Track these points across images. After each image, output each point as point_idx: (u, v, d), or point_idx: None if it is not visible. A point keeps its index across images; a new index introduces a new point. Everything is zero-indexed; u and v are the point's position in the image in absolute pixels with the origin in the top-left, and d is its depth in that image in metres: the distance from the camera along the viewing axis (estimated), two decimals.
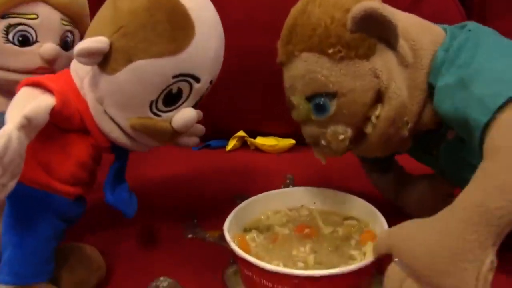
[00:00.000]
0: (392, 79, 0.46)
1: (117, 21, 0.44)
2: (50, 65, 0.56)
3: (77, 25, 0.60)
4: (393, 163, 0.64)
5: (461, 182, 0.41)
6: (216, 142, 0.94)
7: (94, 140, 0.49)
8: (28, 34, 0.55)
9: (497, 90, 0.40)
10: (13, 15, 0.54)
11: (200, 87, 0.48)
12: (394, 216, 0.52)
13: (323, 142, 0.50)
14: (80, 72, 0.48)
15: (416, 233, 0.41)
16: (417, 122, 0.49)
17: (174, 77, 0.45)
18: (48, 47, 0.55)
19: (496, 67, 0.43)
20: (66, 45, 0.58)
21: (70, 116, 0.46)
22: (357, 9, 0.44)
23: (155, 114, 0.47)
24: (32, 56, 0.55)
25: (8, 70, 0.55)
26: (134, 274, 0.53)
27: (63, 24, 0.57)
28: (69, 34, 0.59)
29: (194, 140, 0.56)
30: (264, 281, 0.45)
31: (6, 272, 0.45)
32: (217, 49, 0.49)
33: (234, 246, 0.47)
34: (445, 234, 0.39)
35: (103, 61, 0.45)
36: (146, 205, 0.67)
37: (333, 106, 0.48)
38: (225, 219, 0.51)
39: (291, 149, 0.91)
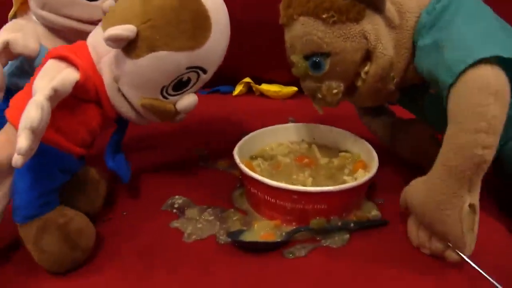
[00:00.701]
0: (379, 40, 0.51)
1: (146, 13, 0.49)
2: None
3: None
4: (384, 108, 0.69)
5: (443, 128, 0.47)
6: (224, 87, 0.99)
7: (104, 111, 0.54)
8: None
9: (462, 55, 0.45)
10: None
11: (205, 78, 0.54)
12: (383, 150, 0.60)
13: (319, 95, 0.56)
14: (99, 50, 0.52)
15: (415, 190, 0.49)
16: (403, 77, 0.55)
17: (187, 68, 0.52)
18: (110, 2, 0.62)
19: (467, 32, 0.48)
20: None
21: (89, 90, 0.51)
22: None
23: (164, 97, 0.53)
24: (96, 9, 0.61)
25: (74, 19, 0.61)
26: (152, 192, 0.60)
27: None
28: None
29: (183, 116, 0.59)
30: (268, 197, 0.53)
31: (18, 214, 0.48)
32: (225, 46, 0.55)
33: (242, 167, 0.54)
34: (430, 190, 0.47)
35: (128, 46, 0.50)
36: (163, 140, 0.75)
37: (327, 64, 0.53)
38: (233, 152, 0.57)
39: (293, 96, 0.96)
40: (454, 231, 0.46)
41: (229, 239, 0.50)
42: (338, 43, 0.52)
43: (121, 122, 0.57)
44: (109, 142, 0.57)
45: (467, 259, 0.46)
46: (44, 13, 0.61)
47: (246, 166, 0.55)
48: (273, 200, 0.52)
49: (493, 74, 0.44)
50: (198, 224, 0.53)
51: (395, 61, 0.53)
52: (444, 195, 0.46)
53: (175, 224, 0.54)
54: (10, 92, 0.59)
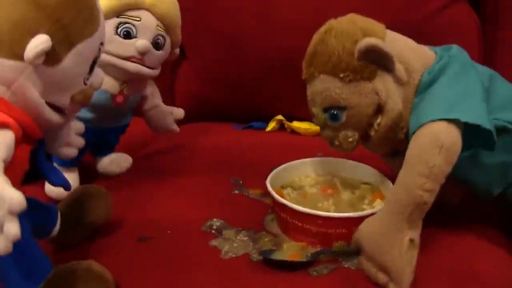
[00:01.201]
0: (389, 96, 0.58)
1: (50, 16, 0.45)
2: (141, 56, 0.73)
3: (169, 33, 0.77)
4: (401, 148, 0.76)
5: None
6: (257, 123, 1.07)
7: (31, 142, 0.47)
8: (131, 31, 0.71)
9: (429, 111, 0.54)
10: (124, 16, 0.71)
11: (103, 50, 0.54)
12: None
13: (336, 143, 0.63)
14: (1, 78, 0.45)
15: (367, 225, 0.56)
16: None
17: (98, 47, 0.52)
18: (142, 42, 0.72)
19: (444, 92, 0.56)
20: (157, 45, 0.75)
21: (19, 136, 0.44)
22: (361, 43, 0.56)
23: (85, 83, 0.51)
24: (129, 46, 0.72)
25: (111, 54, 0.71)
26: (192, 215, 0.67)
27: (158, 29, 0.74)
28: (161, 38, 0.75)
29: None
30: (295, 221, 0.59)
31: None
32: None
33: (273, 193, 0.61)
34: (380, 224, 0.53)
35: (46, 56, 0.45)
36: (201, 169, 0.83)
37: (344, 116, 0.60)
38: (265, 182, 0.64)
39: None
40: (395, 264, 0.51)
41: (261, 257, 0.57)
42: (353, 98, 0.58)
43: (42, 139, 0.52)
44: (42, 162, 0.51)
45: None
46: None
47: (277, 193, 0.62)
48: (300, 224, 0.59)
49: (446, 131, 0.52)
50: (234, 243, 0.60)
51: (403, 113, 0.59)
52: (390, 228, 0.52)
53: (214, 243, 0.60)
54: None
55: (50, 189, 0.75)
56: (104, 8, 0.68)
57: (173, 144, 0.98)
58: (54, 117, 0.49)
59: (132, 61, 0.73)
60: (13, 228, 0.37)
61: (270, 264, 0.56)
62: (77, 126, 0.59)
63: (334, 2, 0.92)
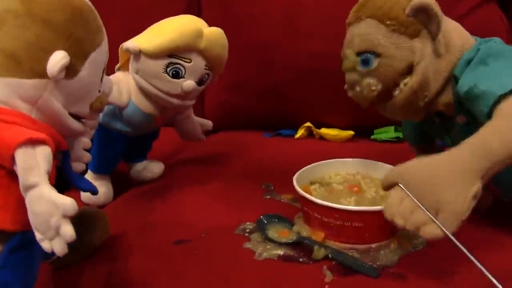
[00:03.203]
0: (423, 59, 0.59)
1: (63, 32, 0.48)
2: (186, 95, 0.76)
3: (213, 70, 0.78)
4: (435, 148, 0.75)
5: None
6: (286, 131, 1.09)
7: (56, 156, 0.49)
8: (180, 71, 0.74)
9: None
10: (176, 57, 0.73)
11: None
12: None
13: (357, 88, 0.64)
14: (27, 99, 0.47)
15: (420, 162, 0.54)
16: (433, 100, 0.62)
17: (106, 55, 0.54)
18: (189, 83, 0.74)
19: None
20: (201, 82, 0.77)
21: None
22: (416, 0, 0.57)
23: (98, 91, 0.55)
24: (177, 86, 0.74)
25: (157, 89, 0.74)
26: (226, 219, 0.69)
27: (205, 69, 0.76)
28: (206, 75, 0.77)
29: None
30: (315, 213, 0.61)
31: None
32: None
33: (297, 187, 0.63)
34: (449, 160, 0.51)
35: (66, 69, 0.48)
36: (231, 175, 0.85)
37: (375, 63, 0.61)
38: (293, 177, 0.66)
39: (350, 139, 1.04)
40: (456, 201, 0.48)
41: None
42: (390, 48, 0.60)
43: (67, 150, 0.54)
44: (69, 171, 0.54)
45: (450, 235, 0.47)
46: (137, 77, 0.74)
47: (304, 189, 0.64)
48: (319, 217, 0.61)
49: None
50: (267, 245, 0.62)
51: (431, 82, 0.60)
52: (466, 166, 0.49)
53: (248, 245, 0.62)
54: (101, 127, 0.71)
55: (86, 197, 0.79)
56: (157, 47, 0.72)
57: (203, 152, 1.00)
58: (76, 125, 0.52)
59: (175, 98, 0.76)
60: (68, 230, 0.41)
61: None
62: (85, 141, 0.61)
63: None
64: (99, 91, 0.55)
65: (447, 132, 0.67)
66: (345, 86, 0.66)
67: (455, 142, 0.64)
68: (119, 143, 0.81)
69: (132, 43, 0.72)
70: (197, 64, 0.74)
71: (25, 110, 0.48)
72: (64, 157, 0.53)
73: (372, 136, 1.05)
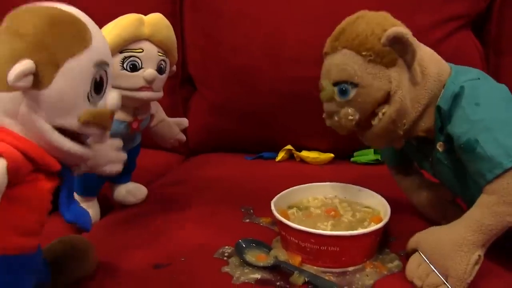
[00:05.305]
0: (400, 88, 0.60)
1: (31, 42, 0.46)
2: (150, 85, 0.76)
3: (168, 56, 0.79)
4: (413, 170, 0.78)
5: (451, 187, 0.57)
6: (267, 153, 1.11)
7: (47, 176, 0.49)
8: (136, 63, 0.74)
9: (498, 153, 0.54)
10: (127, 50, 0.74)
11: (110, 71, 0.54)
12: (399, 208, 0.69)
13: (336, 118, 0.64)
14: (7, 111, 0.47)
15: (433, 231, 0.59)
16: (412, 127, 0.63)
17: (93, 66, 0.50)
18: (149, 71, 0.75)
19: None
20: (160, 70, 0.77)
21: (21, 166, 0.45)
22: (391, 30, 0.58)
23: (92, 103, 0.51)
24: (138, 78, 0.75)
25: (122, 89, 0.73)
26: (204, 243, 0.69)
27: (159, 55, 0.77)
28: (163, 62, 0.78)
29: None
30: (292, 238, 0.62)
31: None
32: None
33: (275, 212, 0.65)
34: (452, 232, 0.57)
35: (35, 80, 0.46)
36: (212, 198, 0.86)
37: (352, 93, 0.62)
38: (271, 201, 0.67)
39: (330, 162, 1.06)
40: (458, 269, 0.54)
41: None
42: (367, 78, 0.61)
43: (65, 171, 0.52)
44: (61, 196, 0.52)
45: None
46: None
47: (282, 213, 0.66)
48: (296, 241, 0.62)
49: None
50: (244, 269, 0.62)
51: (409, 111, 0.61)
52: (464, 240, 0.55)
53: (226, 269, 0.62)
54: None
55: None
56: None
57: (185, 174, 1.01)
58: (68, 144, 0.49)
59: (143, 91, 0.76)
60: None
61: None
62: (115, 142, 0.62)
63: None
64: (92, 103, 0.51)
65: (425, 158, 0.69)
66: (324, 115, 0.67)
67: (433, 168, 0.68)
68: None
69: None
70: (149, 51, 0.75)
71: (11, 125, 0.47)
72: (61, 179, 0.51)
73: (352, 159, 1.07)
